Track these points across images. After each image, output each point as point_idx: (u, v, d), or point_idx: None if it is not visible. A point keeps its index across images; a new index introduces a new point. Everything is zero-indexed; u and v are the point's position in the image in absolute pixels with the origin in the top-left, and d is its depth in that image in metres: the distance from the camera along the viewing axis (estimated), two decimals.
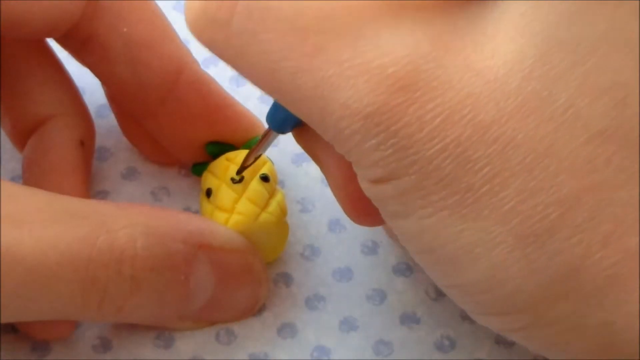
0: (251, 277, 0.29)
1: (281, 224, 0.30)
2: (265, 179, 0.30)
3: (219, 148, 0.31)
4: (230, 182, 0.30)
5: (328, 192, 0.33)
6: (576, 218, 0.20)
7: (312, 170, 0.34)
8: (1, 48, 0.31)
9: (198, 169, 0.32)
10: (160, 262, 0.27)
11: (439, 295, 0.31)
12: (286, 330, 0.30)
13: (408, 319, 0.30)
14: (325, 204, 0.33)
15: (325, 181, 0.33)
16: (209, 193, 0.30)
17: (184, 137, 0.32)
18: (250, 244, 0.29)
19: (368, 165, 0.21)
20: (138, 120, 0.32)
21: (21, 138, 0.32)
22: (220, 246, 0.28)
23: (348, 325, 0.30)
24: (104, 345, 0.30)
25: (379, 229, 0.32)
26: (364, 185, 0.22)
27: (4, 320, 0.24)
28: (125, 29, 0.29)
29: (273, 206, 0.30)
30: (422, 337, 0.30)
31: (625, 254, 0.20)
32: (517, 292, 0.21)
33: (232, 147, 0.31)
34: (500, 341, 0.30)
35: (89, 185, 0.33)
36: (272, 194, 0.30)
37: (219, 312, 0.30)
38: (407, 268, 0.31)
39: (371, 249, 0.32)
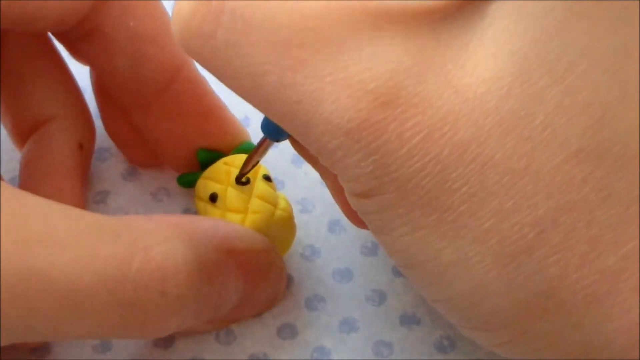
0: (273, 275, 0.29)
1: (292, 219, 0.31)
2: (268, 178, 0.30)
3: (210, 155, 0.31)
4: (236, 184, 0.30)
5: (328, 193, 0.33)
6: (553, 238, 0.20)
7: (311, 171, 0.33)
8: (5, 47, 0.31)
9: (185, 179, 0.32)
10: (199, 274, 0.26)
11: None
12: (286, 330, 0.30)
13: (408, 320, 0.30)
14: (325, 205, 0.33)
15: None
16: (214, 198, 0.30)
17: (173, 135, 0.32)
18: (269, 241, 0.29)
19: (350, 180, 0.21)
20: (128, 113, 0.32)
21: (22, 137, 0.32)
22: (246, 249, 0.28)
23: (348, 325, 0.30)
24: (104, 345, 0.30)
25: None
26: (349, 198, 0.22)
27: (38, 340, 0.23)
28: (131, 23, 0.29)
29: (283, 203, 0.30)
30: (421, 337, 0.30)
31: (602, 274, 0.20)
32: (496, 310, 0.21)
33: (223, 154, 0.31)
34: None
35: (86, 188, 0.33)
36: (276, 194, 0.31)
37: (242, 312, 0.29)
38: None
39: (371, 249, 0.32)
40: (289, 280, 0.31)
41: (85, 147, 0.32)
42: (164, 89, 0.31)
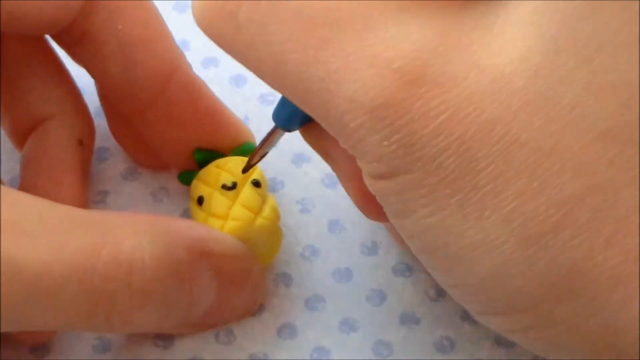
0: (250, 282, 0.29)
1: (276, 228, 0.30)
2: (257, 184, 0.30)
3: (206, 155, 0.31)
4: (222, 189, 0.29)
5: (328, 193, 0.33)
6: (579, 219, 0.20)
7: (311, 171, 0.34)
8: (2, 46, 0.31)
9: (185, 177, 0.32)
10: (167, 272, 0.26)
11: (439, 295, 0.31)
12: (286, 330, 0.30)
13: (408, 320, 0.30)
14: (325, 205, 0.33)
15: (325, 182, 0.33)
16: (200, 201, 0.30)
17: (172, 140, 0.31)
18: (248, 248, 0.29)
19: (372, 160, 0.21)
20: (128, 120, 0.32)
21: (20, 137, 0.32)
22: (221, 253, 0.28)
23: (348, 325, 0.30)
24: (104, 345, 0.30)
25: (378, 229, 0.32)
26: (368, 181, 0.22)
27: (4, 330, 0.24)
28: (120, 27, 0.29)
29: (267, 211, 0.30)
30: (421, 337, 0.30)
31: (628, 255, 0.20)
32: (519, 292, 0.21)
33: (220, 154, 0.31)
34: (501, 342, 0.30)
35: (87, 185, 0.33)
36: (264, 199, 0.30)
37: (218, 317, 0.29)
38: (406, 268, 0.31)
39: (371, 249, 0.32)
40: (289, 280, 0.31)
41: (85, 143, 0.32)
42: (158, 94, 0.30)
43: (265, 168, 0.33)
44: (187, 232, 0.27)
